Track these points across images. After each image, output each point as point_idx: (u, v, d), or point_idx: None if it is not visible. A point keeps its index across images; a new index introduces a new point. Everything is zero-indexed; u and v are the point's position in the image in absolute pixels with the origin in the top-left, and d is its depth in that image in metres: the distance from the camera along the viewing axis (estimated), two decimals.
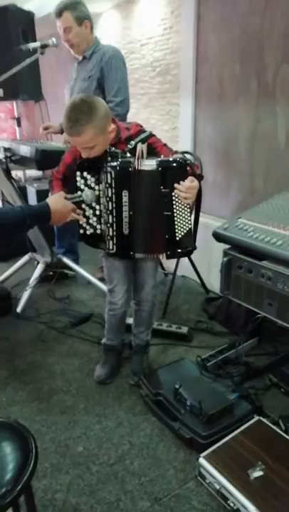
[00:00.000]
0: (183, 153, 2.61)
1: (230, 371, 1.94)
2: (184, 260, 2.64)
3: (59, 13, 2.34)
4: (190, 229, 1.60)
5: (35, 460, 0.99)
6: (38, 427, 1.67)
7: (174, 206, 1.54)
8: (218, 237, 1.85)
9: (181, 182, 1.51)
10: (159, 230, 1.59)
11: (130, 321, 2.01)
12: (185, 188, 1.50)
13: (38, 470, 0.96)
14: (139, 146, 1.53)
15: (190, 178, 1.52)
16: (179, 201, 1.54)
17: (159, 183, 1.52)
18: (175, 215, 1.56)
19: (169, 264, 2.86)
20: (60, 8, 2.34)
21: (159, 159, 1.52)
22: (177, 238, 1.59)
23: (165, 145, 1.64)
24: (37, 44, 2.39)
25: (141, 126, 1.65)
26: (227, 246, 1.85)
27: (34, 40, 3.29)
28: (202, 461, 1.41)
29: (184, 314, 2.53)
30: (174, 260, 2.58)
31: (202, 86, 2.63)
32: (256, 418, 1.58)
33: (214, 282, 2.71)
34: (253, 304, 1.75)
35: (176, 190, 1.51)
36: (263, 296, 1.69)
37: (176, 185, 1.51)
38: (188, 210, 1.58)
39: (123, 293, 1.82)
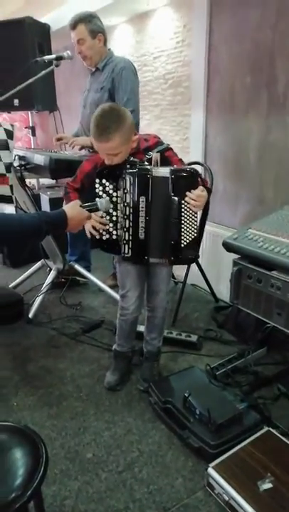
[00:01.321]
0: (193, 163, 2.67)
1: (239, 380, 1.94)
2: (194, 269, 2.66)
3: (74, 25, 2.41)
4: (195, 237, 1.65)
5: (46, 466, 0.99)
6: (48, 432, 1.69)
7: (182, 214, 1.60)
8: (228, 247, 1.87)
9: (191, 190, 1.57)
10: (166, 236, 1.64)
11: (141, 328, 2.02)
12: (195, 196, 1.56)
13: (47, 476, 0.97)
14: (154, 154, 1.60)
15: (200, 187, 1.58)
16: (187, 209, 1.59)
17: (169, 190, 1.58)
18: (182, 222, 1.61)
19: (179, 272, 2.87)
20: (76, 20, 2.41)
21: (172, 168, 1.60)
22: (182, 245, 1.64)
23: (180, 160, 1.72)
24: (52, 56, 2.45)
25: (159, 138, 1.72)
26: (236, 256, 1.87)
27: (50, 52, 3.39)
28: (211, 471, 1.41)
29: (194, 322, 2.54)
30: (184, 269, 2.59)
31: (213, 97, 2.67)
32: (265, 429, 1.58)
33: (223, 291, 2.71)
34: (263, 314, 1.76)
35: (186, 198, 1.57)
36: (272, 305, 1.70)
37: (187, 192, 1.57)
38: (196, 219, 1.63)
39: (135, 299, 1.84)
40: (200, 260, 2.67)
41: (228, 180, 2.68)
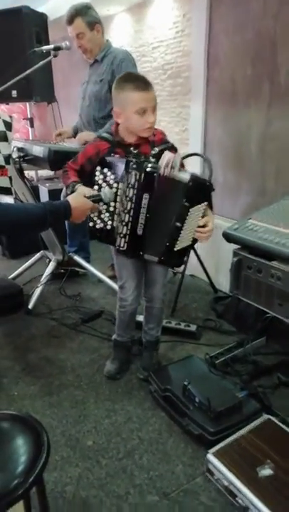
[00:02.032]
0: (193, 154, 2.66)
1: (238, 369, 1.95)
2: (193, 259, 2.67)
3: (71, 19, 2.39)
4: (187, 247, 1.67)
5: (48, 453, 0.99)
6: (48, 421, 1.70)
7: (186, 221, 1.60)
8: (228, 237, 1.87)
9: (199, 211, 1.59)
10: (163, 236, 1.64)
11: (140, 318, 2.03)
12: (207, 229, 1.61)
13: (48, 463, 0.98)
14: (168, 154, 1.55)
15: (211, 220, 1.62)
16: (192, 219, 1.60)
17: (183, 196, 1.56)
18: (183, 229, 1.61)
19: None
20: (72, 14, 2.38)
21: (193, 174, 1.57)
22: (175, 249, 1.65)
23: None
24: (50, 47, 2.43)
25: (165, 135, 1.71)
26: (236, 246, 1.87)
27: (47, 42, 3.35)
28: (210, 457, 1.43)
29: (193, 313, 2.55)
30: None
31: (213, 88, 2.65)
32: (265, 417, 1.59)
33: (222, 281, 2.72)
34: (263, 304, 1.77)
35: (197, 234, 1.62)
36: (272, 296, 1.71)
37: (199, 228, 1.61)
38: (194, 231, 1.65)
39: (133, 289, 1.85)
40: (198, 251, 2.68)
41: (228, 172, 2.67)
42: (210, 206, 1.62)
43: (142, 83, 1.54)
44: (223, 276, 2.71)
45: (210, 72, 2.65)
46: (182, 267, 2.60)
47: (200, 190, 1.58)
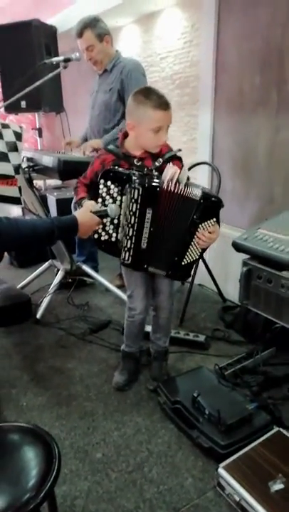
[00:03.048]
0: (201, 163, 2.66)
1: (248, 380, 1.93)
2: (202, 269, 2.65)
3: (80, 32, 2.42)
4: (195, 260, 1.67)
5: (59, 467, 0.98)
6: (57, 432, 1.69)
7: (196, 236, 1.60)
8: (237, 247, 1.87)
9: (209, 227, 1.59)
10: (171, 251, 1.64)
11: (148, 328, 2.02)
12: (207, 238, 1.60)
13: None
14: (171, 168, 1.54)
15: (215, 228, 1.60)
16: (201, 235, 1.60)
17: (194, 212, 1.56)
18: (192, 244, 1.62)
19: None
20: (81, 27, 2.41)
21: (204, 190, 1.57)
22: (182, 263, 1.65)
23: None
24: (60, 58, 2.45)
25: (170, 148, 1.70)
26: (244, 256, 1.86)
27: (56, 53, 3.41)
28: (221, 471, 1.41)
29: (201, 322, 2.54)
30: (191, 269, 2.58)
31: (221, 97, 2.66)
32: (276, 429, 1.57)
33: (231, 291, 2.70)
34: (273, 314, 1.75)
35: (198, 239, 1.60)
36: (282, 306, 1.69)
37: (202, 232, 1.59)
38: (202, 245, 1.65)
39: (141, 298, 1.84)
40: (207, 260, 2.67)
41: (236, 180, 2.67)
42: (218, 220, 1.62)
43: (164, 102, 1.53)
44: (231, 286, 2.69)
45: (218, 81, 2.66)
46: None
47: (211, 207, 1.58)
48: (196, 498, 1.41)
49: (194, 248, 1.64)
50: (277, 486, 1.34)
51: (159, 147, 1.61)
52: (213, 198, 1.58)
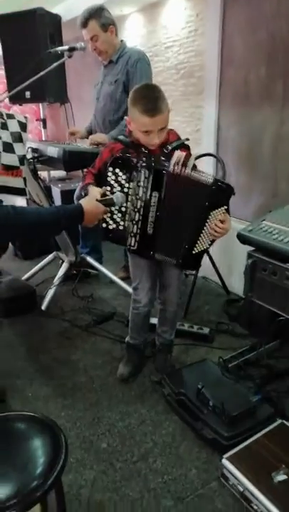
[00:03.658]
0: (206, 155, 2.64)
1: (251, 373, 1.94)
2: (205, 261, 2.64)
3: (85, 22, 2.38)
4: (205, 249, 1.66)
5: (66, 455, 0.99)
6: (62, 422, 1.71)
7: (207, 224, 1.59)
8: (242, 239, 1.86)
9: (219, 215, 1.57)
10: (182, 238, 1.63)
11: (154, 320, 2.03)
12: (221, 228, 1.57)
13: None
14: (178, 153, 1.54)
15: (227, 218, 1.58)
16: (212, 223, 1.59)
17: (206, 199, 1.55)
18: (203, 231, 1.60)
19: None
20: (86, 17, 2.37)
21: (216, 178, 1.56)
22: (193, 252, 1.64)
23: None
24: (65, 48, 2.42)
25: (178, 136, 1.69)
26: (249, 248, 1.86)
27: (61, 43, 3.37)
28: (225, 462, 1.42)
29: (205, 315, 2.54)
30: None
31: (226, 88, 2.64)
32: (279, 421, 1.58)
33: (235, 284, 2.70)
34: (278, 307, 1.75)
35: (210, 228, 1.58)
36: (287, 298, 1.69)
37: (214, 221, 1.57)
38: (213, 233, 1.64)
39: (146, 291, 1.84)
40: (211, 252, 2.66)
41: (241, 172, 2.65)
42: (227, 210, 1.61)
43: (150, 108, 1.48)
44: (235, 279, 2.69)
45: (223, 72, 2.63)
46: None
47: (223, 194, 1.57)
48: (200, 488, 1.43)
49: (205, 237, 1.62)
50: (281, 476, 1.35)
51: (154, 146, 1.58)
52: (225, 184, 1.57)
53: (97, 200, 1.51)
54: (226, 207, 1.58)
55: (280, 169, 2.38)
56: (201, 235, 1.61)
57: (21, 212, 1.34)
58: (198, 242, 1.62)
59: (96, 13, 2.38)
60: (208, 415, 1.61)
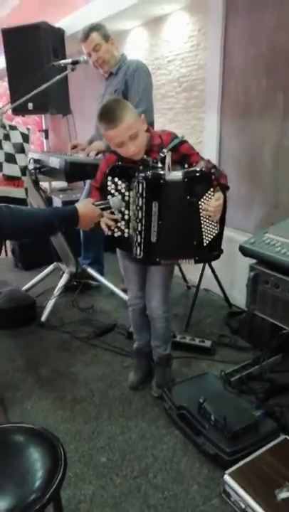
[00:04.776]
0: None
1: (254, 387, 1.91)
2: (207, 273, 2.64)
3: (86, 35, 2.44)
4: (216, 234, 1.65)
5: (65, 468, 0.98)
6: (62, 436, 1.68)
7: (201, 215, 1.59)
8: (245, 251, 1.85)
9: (208, 200, 1.56)
10: (187, 237, 1.64)
11: None
12: (213, 208, 1.56)
13: None
14: (168, 156, 1.57)
15: (216, 195, 1.57)
16: (206, 210, 1.59)
17: (185, 193, 1.57)
18: (202, 222, 1.61)
19: (192, 276, 2.86)
20: (87, 30, 2.45)
21: (185, 170, 1.58)
22: (204, 244, 1.64)
23: (198, 154, 1.69)
24: (68, 61, 2.47)
25: (174, 134, 1.69)
26: (251, 260, 1.85)
27: (64, 56, 3.42)
28: (227, 478, 1.39)
29: (207, 328, 2.52)
30: (198, 273, 2.57)
31: (228, 101, 2.66)
32: (282, 437, 1.55)
33: (237, 296, 2.69)
34: (280, 320, 1.73)
35: (204, 212, 1.58)
36: None
37: (204, 206, 1.57)
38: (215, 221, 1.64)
39: (137, 289, 1.88)
40: (213, 264, 2.65)
41: (242, 184, 2.66)
42: (218, 186, 1.59)
43: (110, 119, 1.50)
44: (237, 291, 2.67)
45: (225, 84, 2.66)
46: (196, 280, 2.57)
47: (199, 182, 1.57)
48: (202, 504, 1.40)
49: (208, 224, 1.62)
50: (284, 494, 1.32)
51: (138, 154, 1.58)
52: (193, 173, 1.57)
53: (93, 203, 1.52)
54: (211, 189, 1.57)
55: (282, 180, 2.38)
56: (202, 225, 1.61)
57: (14, 211, 1.35)
58: (204, 233, 1.63)
59: (97, 26, 2.46)
60: (209, 430, 1.59)
